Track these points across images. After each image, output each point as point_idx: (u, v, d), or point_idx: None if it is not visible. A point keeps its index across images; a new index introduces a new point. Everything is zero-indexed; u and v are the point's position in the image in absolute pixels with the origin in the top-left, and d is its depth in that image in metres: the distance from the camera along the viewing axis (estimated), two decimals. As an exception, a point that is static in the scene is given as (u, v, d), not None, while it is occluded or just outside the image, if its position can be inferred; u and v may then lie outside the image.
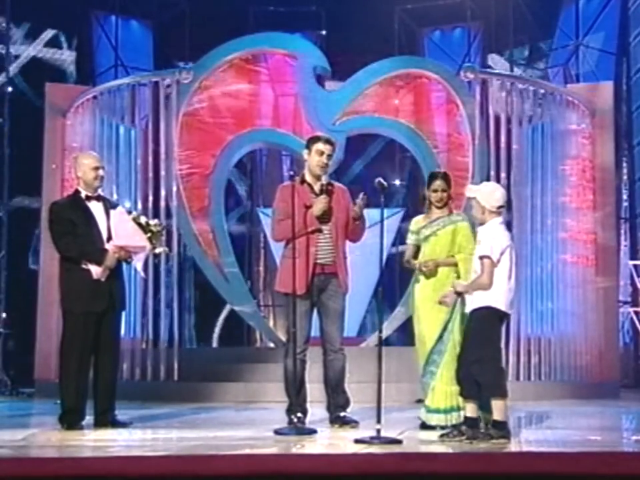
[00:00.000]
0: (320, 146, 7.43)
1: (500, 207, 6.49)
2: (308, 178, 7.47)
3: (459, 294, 6.58)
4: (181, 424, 8.07)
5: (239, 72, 12.40)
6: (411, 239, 7.42)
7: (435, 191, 7.31)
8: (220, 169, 12.22)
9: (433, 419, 7.14)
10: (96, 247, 7.27)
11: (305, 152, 7.52)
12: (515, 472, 4.87)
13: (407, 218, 12.31)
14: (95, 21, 16.36)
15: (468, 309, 6.51)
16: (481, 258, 6.39)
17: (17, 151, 13.89)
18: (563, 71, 15.99)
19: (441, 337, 7.15)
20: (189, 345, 15.42)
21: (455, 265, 7.21)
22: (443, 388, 7.11)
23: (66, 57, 16.20)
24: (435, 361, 7.16)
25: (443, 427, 6.93)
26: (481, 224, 6.51)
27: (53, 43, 16.14)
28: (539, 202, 11.87)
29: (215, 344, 16.56)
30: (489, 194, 6.50)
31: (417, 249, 7.37)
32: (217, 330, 16.61)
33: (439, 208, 7.33)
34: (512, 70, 15.62)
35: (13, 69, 15.07)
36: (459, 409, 6.97)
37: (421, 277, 7.29)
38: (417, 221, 7.44)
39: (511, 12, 15.58)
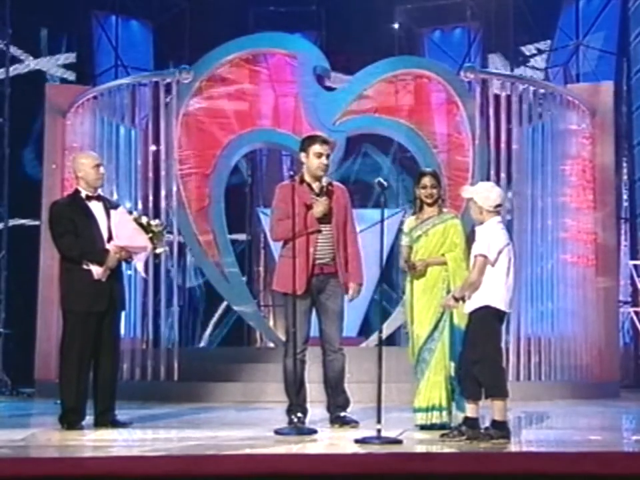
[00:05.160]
0: (317, 148, 7.35)
1: (497, 206, 6.50)
2: (307, 178, 7.42)
3: (459, 299, 6.57)
4: (181, 424, 8.07)
5: (239, 72, 12.40)
6: (404, 240, 7.41)
7: (424, 187, 7.30)
8: (220, 169, 12.21)
9: (417, 418, 7.22)
10: (97, 247, 7.25)
11: (301, 155, 7.45)
12: (515, 472, 4.87)
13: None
14: (95, 21, 16.33)
15: (467, 310, 6.51)
16: (476, 256, 6.40)
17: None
18: (563, 71, 15.98)
19: (431, 335, 7.18)
20: (190, 345, 15.41)
21: (445, 263, 7.22)
22: (427, 388, 7.17)
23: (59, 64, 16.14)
24: (425, 359, 7.20)
25: (442, 427, 6.96)
26: (480, 224, 6.53)
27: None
28: (539, 202, 11.87)
29: (213, 344, 16.53)
30: (486, 194, 6.50)
31: (411, 250, 7.38)
32: (210, 330, 16.56)
33: (429, 205, 7.32)
34: (512, 70, 15.61)
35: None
36: (440, 408, 7.10)
37: (412, 277, 7.31)
38: (409, 222, 7.45)
39: (511, 12, 15.57)
